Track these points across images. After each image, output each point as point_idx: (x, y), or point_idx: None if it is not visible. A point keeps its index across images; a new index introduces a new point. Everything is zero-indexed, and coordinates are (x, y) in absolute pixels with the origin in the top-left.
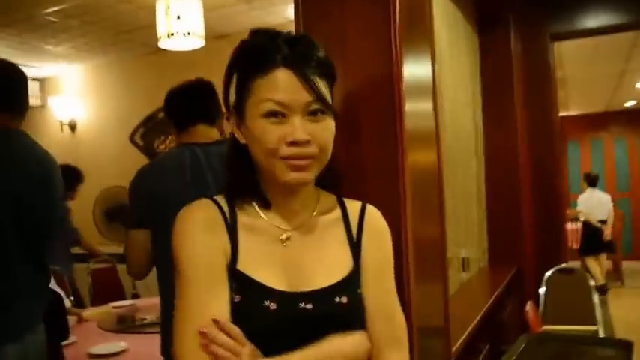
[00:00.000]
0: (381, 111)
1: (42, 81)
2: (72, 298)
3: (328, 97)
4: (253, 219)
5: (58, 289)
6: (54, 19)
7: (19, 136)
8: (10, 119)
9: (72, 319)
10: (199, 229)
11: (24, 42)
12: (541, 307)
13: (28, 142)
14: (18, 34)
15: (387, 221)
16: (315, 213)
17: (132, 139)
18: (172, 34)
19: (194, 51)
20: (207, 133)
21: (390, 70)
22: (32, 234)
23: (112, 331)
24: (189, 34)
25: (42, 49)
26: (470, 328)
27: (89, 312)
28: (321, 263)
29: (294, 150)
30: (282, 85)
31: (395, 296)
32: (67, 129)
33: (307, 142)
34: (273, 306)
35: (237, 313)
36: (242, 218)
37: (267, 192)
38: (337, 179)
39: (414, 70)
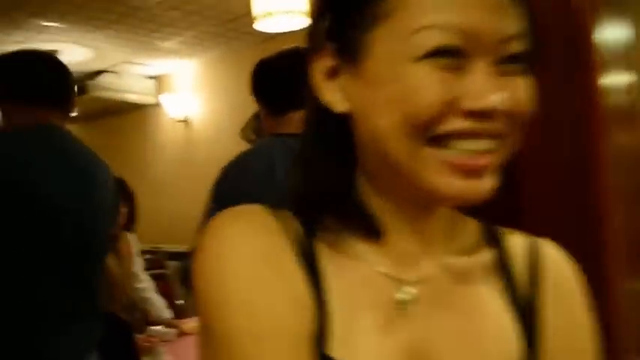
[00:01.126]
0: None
1: (156, 79)
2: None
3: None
4: (346, 257)
5: (157, 298)
6: (155, 12)
7: (69, 136)
8: (61, 117)
9: (171, 333)
10: (255, 259)
11: (133, 39)
12: None
13: (77, 144)
14: (127, 30)
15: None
16: (453, 253)
17: (243, 134)
18: (270, 14)
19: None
20: (300, 122)
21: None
22: (77, 248)
23: None
24: (288, 12)
25: (152, 45)
26: None
27: (191, 324)
28: (469, 347)
29: (472, 125)
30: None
31: None
32: (181, 126)
33: (497, 114)
34: None
35: None
36: (327, 252)
37: (377, 209)
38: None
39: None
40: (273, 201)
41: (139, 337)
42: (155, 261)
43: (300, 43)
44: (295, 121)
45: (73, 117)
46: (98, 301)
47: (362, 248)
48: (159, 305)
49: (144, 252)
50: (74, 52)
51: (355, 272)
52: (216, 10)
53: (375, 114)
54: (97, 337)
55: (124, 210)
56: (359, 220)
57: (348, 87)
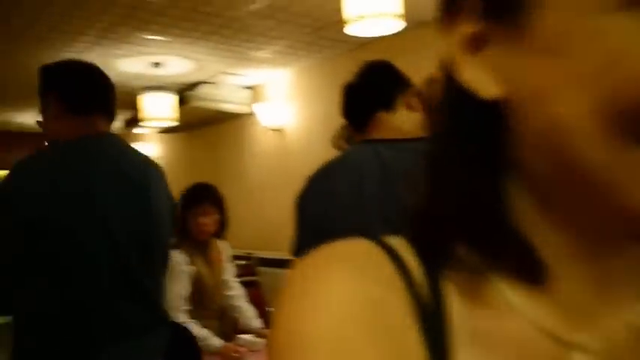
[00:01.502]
0: None
1: (251, 89)
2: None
3: None
4: (488, 308)
5: (248, 306)
6: (249, 22)
7: (118, 140)
8: (107, 124)
9: (260, 343)
10: (357, 325)
11: (230, 49)
12: None
13: (124, 147)
14: (223, 42)
15: None
16: None
17: (335, 143)
18: (361, 17)
19: (401, 40)
20: (391, 124)
21: None
22: (132, 255)
23: None
24: (381, 15)
25: (246, 56)
26: None
27: None
28: None
29: None
30: None
31: None
32: (274, 135)
33: None
34: None
35: None
36: (459, 302)
37: (540, 239)
38: None
39: None
40: (361, 218)
41: (228, 346)
42: (248, 267)
43: (393, 49)
44: (379, 125)
45: (173, 127)
46: (160, 312)
47: (514, 295)
48: (249, 314)
49: (237, 257)
50: (176, 64)
51: (503, 331)
52: (308, 18)
53: (552, 98)
54: (160, 349)
55: (215, 217)
56: (512, 253)
57: (503, 61)
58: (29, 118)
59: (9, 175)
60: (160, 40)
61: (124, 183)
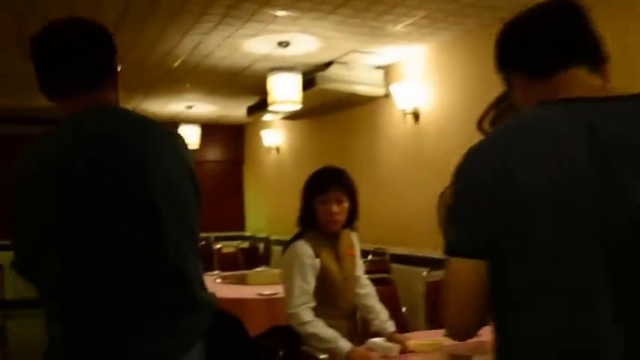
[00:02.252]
0: None
1: (384, 68)
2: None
3: None
4: None
5: (380, 306)
6: None
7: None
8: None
9: (393, 349)
10: None
11: (361, 24)
12: None
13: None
14: (354, 15)
15: None
16: None
17: (480, 126)
18: None
19: None
20: (589, 81)
21: None
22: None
23: None
24: None
25: (380, 31)
26: None
27: (414, 341)
28: None
29: None
30: None
31: None
32: (410, 118)
33: None
34: None
35: None
36: None
37: None
38: None
39: None
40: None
41: (357, 351)
42: (380, 264)
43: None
44: (571, 82)
45: (299, 113)
46: (194, 297)
47: None
48: (381, 315)
49: (367, 253)
50: (304, 43)
51: None
52: None
53: None
54: (196, 332)
55: (345, 205)
56: None
57: None
58: (158, 106)
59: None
60: (288, 15)
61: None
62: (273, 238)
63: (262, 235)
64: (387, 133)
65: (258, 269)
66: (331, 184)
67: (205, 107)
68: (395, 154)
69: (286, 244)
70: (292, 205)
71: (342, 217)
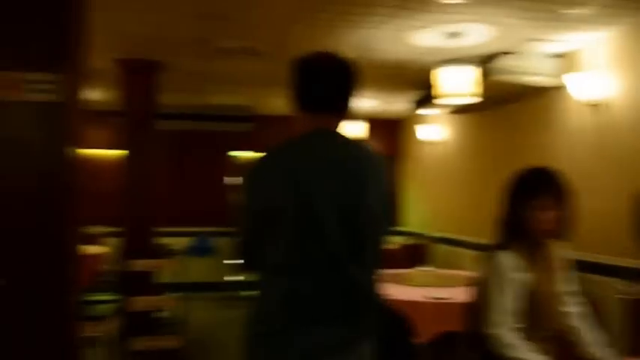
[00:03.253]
0: None
1: (560, 57)
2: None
3: None
4: None
5: (590, 328)
6: None
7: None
8: (335, 122)
9: None
10: None
11: (538, 9)
12: None
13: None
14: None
15: None
16: None
17: None
18: None
19: None
20: None
21: None
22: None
23: None
24: None
25: (561, 16)
26: None
27: None
28: None
29: None
30: None
31: None
32: (591, 112)
33: None
34: None
35: None
36: None
37: None
38: None
39: None
40: None
41: None
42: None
43: None
44: None
45: (465, 107)
46: (369, 300)
47: None
48: (591, 339)
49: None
50: (477, 32)
51: None
52: None
53: None
54: (370, 330)
55: (558, 212)
56: None
57: None
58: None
59: (256, 161)
60: (459, 3)
61: (337, 175)
62: (434, 235)
63: (422, 231)
64: (563, 128)
65: (423, 268)
66: (545, 187)
67: (366, 102)
68: (575, 150)
69: (486, 253)
70: (455, 202)
71: (555, 226)
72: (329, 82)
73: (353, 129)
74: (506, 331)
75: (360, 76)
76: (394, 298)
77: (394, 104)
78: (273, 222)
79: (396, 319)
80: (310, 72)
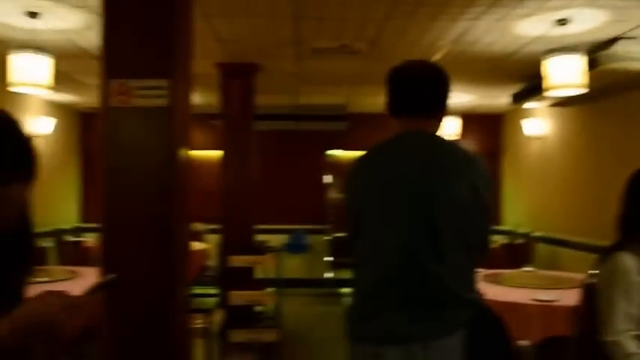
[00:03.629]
0: None
1: None
2: None
3: None
4: None
5: None
6: None
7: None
8: (429, 123)
9: None
10: None
11: None
12: None
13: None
14: None
15: None
16: None
17: None
18: None
19: None
20: None
21: None
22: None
23: None
24: None
25: None
26: None
27: None
28: None
29: None
30: None
31: None
32: None
33: None
34: None
35: None
36: None
37: None
38: None
39: None
40: None
41: None
42: None
43: None
44: None
45: (570, 99)
46: (461, 296)
47: None
48: None
49: None
50: (586, 18)
51: None
52: None
53: None
54: (459, 322)
55: None
56: None
57: None
58: None
59: (352, 164)
60: None
61: (420, 169)
62: (536, 234)
63: (523, 230)
64: None
65: (527, 269)
66: None
67: (464, 97)
68: None
69: (605, 254)
70: (560, 200)
71: None
72: (419, 89)
73: (446, 126)
74: (629, 339)
75: (451, 79)
76: (495, 299)
77: (491, 99)
78: (364, 219)
79: (493, 319)
80: (400, 80)
